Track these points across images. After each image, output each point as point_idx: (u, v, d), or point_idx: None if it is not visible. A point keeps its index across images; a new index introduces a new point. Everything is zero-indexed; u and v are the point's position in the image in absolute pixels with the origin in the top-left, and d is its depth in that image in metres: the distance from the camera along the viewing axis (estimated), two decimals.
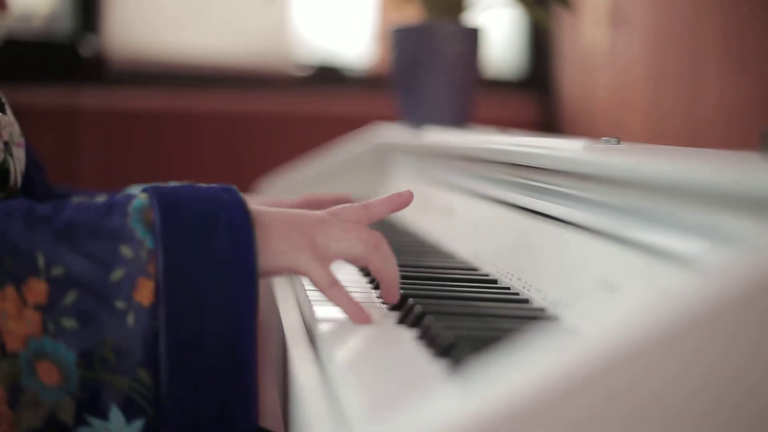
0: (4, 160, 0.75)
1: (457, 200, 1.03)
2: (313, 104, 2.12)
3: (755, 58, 1.99)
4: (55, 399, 0.57)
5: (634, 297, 0.56)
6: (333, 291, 0.64)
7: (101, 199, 0.64)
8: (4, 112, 0.81)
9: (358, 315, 0.64)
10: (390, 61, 1.32)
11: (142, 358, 0.57)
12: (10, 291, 0.56)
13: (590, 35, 2.37)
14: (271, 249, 0.62)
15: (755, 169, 0.45)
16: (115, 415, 0.58)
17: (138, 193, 0.63)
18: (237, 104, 2.07)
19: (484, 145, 0.90)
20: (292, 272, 0.64)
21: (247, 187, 1.78)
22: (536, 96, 2.47)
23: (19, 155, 0.81)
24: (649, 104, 2.25)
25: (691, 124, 2.12)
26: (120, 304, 0.57)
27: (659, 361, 0.37)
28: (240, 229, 0.60)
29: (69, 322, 0.57)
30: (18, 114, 0.83)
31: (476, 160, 0.98)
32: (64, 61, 1.96)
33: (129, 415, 0.58)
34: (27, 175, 0.85)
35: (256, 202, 0.98)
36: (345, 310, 0.64)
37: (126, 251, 0.58)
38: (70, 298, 0.57)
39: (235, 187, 0.65)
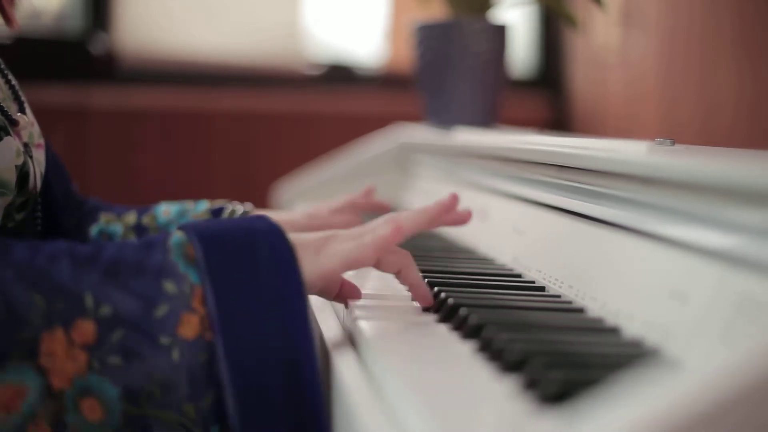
0: (24, 163, 0.72)
1: (492, 202, 0.99)
2: (325, 103, 2.09)
3: (765, 55, 1.95)
4: None
5: (709, 308, 0.52)
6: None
7: (130, 225, 0.60)
8: (24, 112, 0.77)
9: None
10: (413, 58, 1.28)
11: (188, 392, 0.57)
12: (58, 333, 0.55)
13: (602, 34, 2.33)
14: (306, 263, 0.62)
15: None
16: None
17: (174, 231, 0.62)
18: (248, 103, 2.03)
19: (528, 146, 0.86)
20: (326, 275, 0.64)
21: (258, 186, 1.75)
22: (548, 95, 2.44)
23: (39, 157, 0.77)
24: (661, 103, 2.22)
25: (703, 123, 2.09)
26: (164, 340, 0.57)
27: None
28: (281, 252, 0.60)
29: (114, 360, 0.56)
30: None
31: (511, 160, 0.94)
32: (75, 59, 1.92)
33: None
34: (46, 177, 0.81)
35: (294, 218, 0.95)
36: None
37: (169, 287, 0.58)
38: (116, 336, 0.56)
39: (265, 216, 0.65)
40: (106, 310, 0.56)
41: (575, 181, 0.77)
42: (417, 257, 0.73)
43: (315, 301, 0.81)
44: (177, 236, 0.61)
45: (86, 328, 0.56)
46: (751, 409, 0.34)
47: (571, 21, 1.33)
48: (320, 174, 1.41)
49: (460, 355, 0.57)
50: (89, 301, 0.56)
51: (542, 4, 1.24)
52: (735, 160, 0.55)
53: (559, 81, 2.44)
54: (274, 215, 0.93)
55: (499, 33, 1.22)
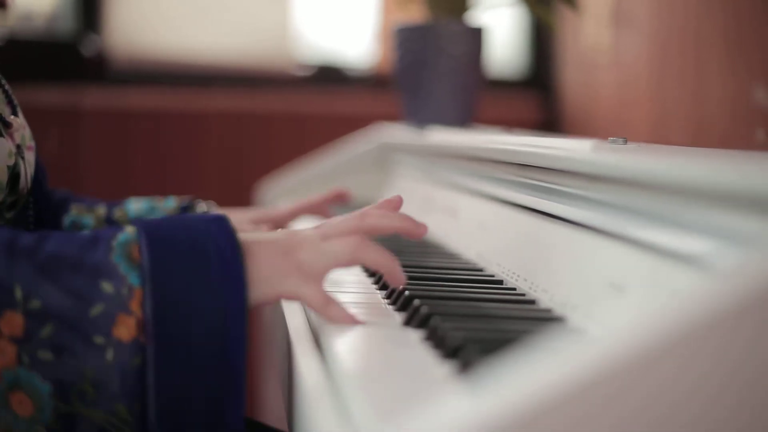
0: (16, 164, 0.75)
1: (462, 200, 1.02)
2: (315, 104, 2.12)
3: (758, 57, 1.98)
4: (28, 430, 0.57)
5: (643, 299, 0.56)
6: (327, 309, 0.63)
7: (101, 217, 0.62)
8: (16, 114, 0.81)
9: (353, 322, 0.64)
10: (393, 60, 1.32)
11: (121, 393, 0.57)
12: None
13: (593, 34, 2.36)
14: (260, 279, 0.62)
15: (761, 168, 0.45)
16: None
17: (126, 227, 0.62)
18: (239, 103, 2.06)
19: (490, 145, 0.90)
20: (284, 298, 0.64)
21: (249, 186, 1.78)
22: (538, 95, 2.47)
23: (30, 159, 0.81)
24: (651, 104, 2.25)
25: (694, 124, 2.12)
26: (99, 340, 0.57)
27: (671, 365, 0.37)
28: (231, 267, 0.60)
29: (45, 355, 0.56)
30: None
31: (481, 160, 0.98)
32: (66, 60, 1.96)
33: None
34: (36, 178, 0.85)
35: (247, 217, 0.98)
36: (343, 322, 0.64)
37: (106, 287, 0.58)
38: (46, 331, 0.56)
39: (226, 219, 0.64)
40: (35, 304, 0.57)
41: (534, 179, 0.81)
42: (392, 250, 0.77)
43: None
44: (125, 235, 0.61)
45: (15, 321, 0.56)
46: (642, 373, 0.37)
47: (549, 23, 1.37)
48: (303, 173, 1.45)
49: (408, 342, 0.61)
50: (18, 293, 0.57)
51: (522, 7, 1.27)
52: (678, 159, 0.58)
53: (549, 82, 2.47)
54: (235, 214, 0.96)
55: (475, 35, 1.26)
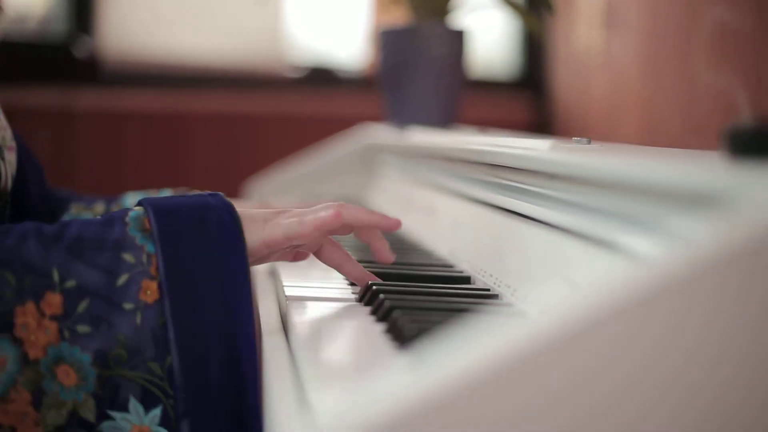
0: None
1: (438, 200, 1.05)
2: (306, 105, 2.15)
3: (750, 59, 2.01)
4: (75, 398, 0.63)
5: (573, 285, 0.59)
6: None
7: (99, 214, 0.69)
8: None
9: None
10: (377, 62, 1.35)
11: (153, 352, 0.64)
12: (30, 306, 0.62)
13: (584, 37, 2.39)
14: (249, 230, 0.69)
15: (696, 167, 0.48)
16: (134, 407, 0.64)
17: (133, 207, 0.69)
18: (231, 105, 2.09)
19: (458, 145, 0.93)
20: (270, 243, 0.70)
21: (239, 188, 1.81)
22: (531, 97, 2.49)
23: (11, 159, 0.84)
24: (643, 106, 2.27)
25: (685, 125, 2.15)
26: (128, 306, 0.64)
27: (591, 343, 0.39)
28: (229, 224, 0.68)
29: (83, 328, 0.63)
30: (14, 115, 0.86)
31: (455, 159, 1.01)
32: (59, 62, 1.99)
33: (147, 406, 0.64)
34: (20, 177, 0.88)
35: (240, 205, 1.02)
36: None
37: (128, 257, 0.65)
38: (82, 306, 0.63)
39: (221, 194, 0.72)
40: (71, 283, 0.63)
41: (503, 179, 0.84)
42: (367, 249, 0.81)
43: (261, 285, 0.88)
44: (135, 211, 0.68)
45: (54, 301, 0.63)
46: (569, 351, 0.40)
47: (531, 25, 1.40)
48: (290, 173, 1.48)
49: (370, 334, 0.64)
50: (56, 275, 0.63)
51: (503, 9, 1.30)
52: (626, 158, 0.61)
53: (542, 83, 2.50)
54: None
55: (457, 37, 1.29)
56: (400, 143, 1.24)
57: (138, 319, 0.64)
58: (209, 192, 0.73)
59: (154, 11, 2.04)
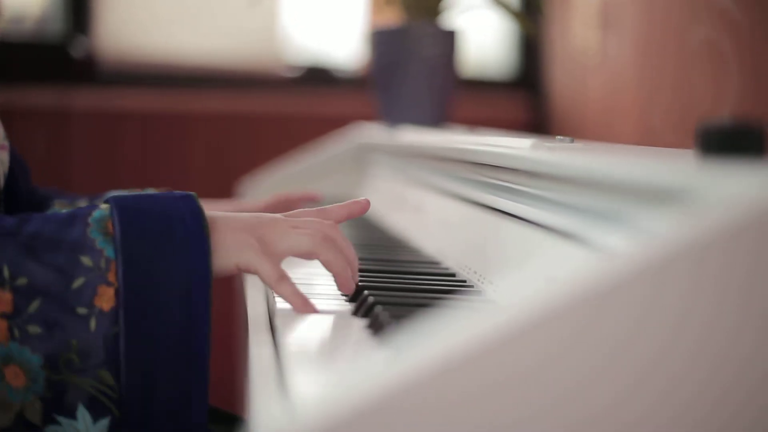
0: None
1: (427, 198, 1.07)
2: (303, 105, 2.17)
3: (745, 60, 2.02)
4: (23, 400, 0.62)
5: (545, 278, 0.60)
6: (279, 285, 0.68)
7: (66, 210, 0.68)
8: None
9: (303, 307, 0.68)
10: (370, 62, 1.36)
11: (104, 360, 0.62)
12: None
13: (580, 36, 2.40)
14: (221, 250, 0.66)
15: (662, 165, 0.49)
16: (82, 414, 0.62)
17: (100, 205, 0.67)
18: (228, 105, 2.11)
19: (442, 143, 0.94)
20: (242, 270, 0.68)
21: (234, 187, 1.83)
22: (528, 97, 2.50)
23: (3, 158, 0.85)
24: (639, 105, 2.29)
25: (681, 124, 2.16)
26: (82, 310, 0.62)
27: (554, 331, 0.41)
28: (194, 236, 0.65)
29: (33, 329, 0.61)
30: (11, 115, 0.87)
31: (442, 158, 1.02)
32: (56, 62, 2.00)
33: (95, 414, 0.63)
34: (11, 176, 0.89)
35: (223, 208, 1.03)
36: (291, 302, 0.68)
37: (86, 261, 0.63)
38: (34, 306, 0.61)
39: (193, 195, 0.69)
40: (22, 280, 0.61)
41: (488, 177, 0.85)
42: (357, 246, 0.82)
43: (250, 279, 0.89)
44: (99, 211, 0.65)
45: (4, 298, 0.61)
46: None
47: (525, 26, 1.41)
48: (283, 172, 1.49)
49: (352, 328, 0.65)
50: (6, 272, 0.61)
51: (495, 9, 1.31)
52: (600, 156, 0.62)
53: (538, 82, 2.51)
54: (205, 203, 1.00)
55: (448, 37, 1.30)
56: (391, 142, 1.25)
57: (92, 325, 0.62)
58: (181, 194, 0.69)
59: (151, 11, 2.06)
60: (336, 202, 1.28)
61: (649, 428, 0.42)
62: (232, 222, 0.68)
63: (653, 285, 0.42)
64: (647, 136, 2.21)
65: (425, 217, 1.05)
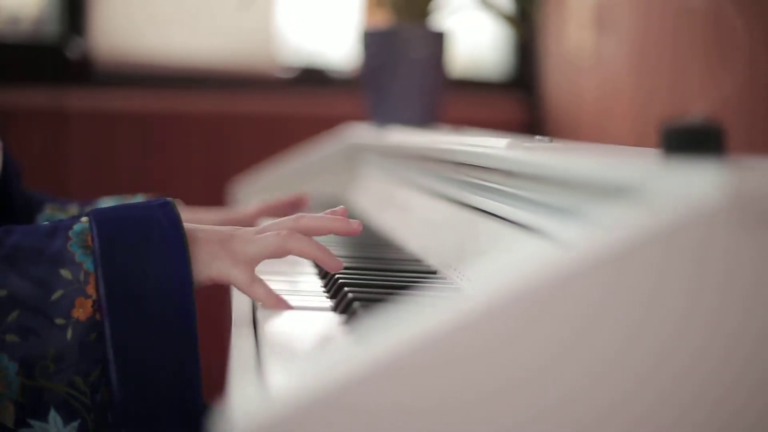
0: None
1: (413, 197, 1.09)
2: (298, 106, 2.19)
3: (739, 60, 2.04)
4: None
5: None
6: (251, 288, 0.70)
7: (48, 222, 0.70)
8: None
9: (277, 305, 0.71)
10: (360, 63, 1.39)
11: (79, 366, 0.65)
12: None
13: (575, 38, 2.42)
14: (197, 261, 0.69)
15: (618, 162, 0.51)
16: (54, 417, 0.65)
17: (81, 218, 0.70)
18: (223, 106, 2.13)
19: (424, 144, 0.96)
20: (215, 281, 0.70)
21: (229, 187, 1.85)
22: (523, 98, 2.52)
23: None
24: (634, 106, 2.30)
25: None
26: (60, 321, 0.65)
27: (509, 318, 0.43)
28: (173, 245, 0.67)
29: (11, 337, 0.64)
30: (7, 116, 0.89)
31: (427, 158, 1.04)
32: (52, 63, 2.03)
33: (66, 418, 0.66)
34: (5, 177, 0.91)
35: (210, 219, 1.04)
36: (265, 303, 0.71)
37: (65, 273, 0.66)
38: (13, 316, 0.64)
39: (171, 203, 0.71)
40: (2, 292, 0.64)
41: (469, 177, 0.87)
42: (345, 245, 0.87)
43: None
44: (80, 225, 0.68)
45: None
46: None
47: (514, 26, 1.43)
48: (275, 172, 1.52)
49: (330, 323, 0.68)
50: None
51: (487, 12, 1.33)
52: (569, 156, 0.64)
53: (533, 83, 2.53)
54: (189, 212, 1.02)
55: (437, 39, 1.32)
56: (379, 143, 1.28)
57: (69, 334, 0.65)
58: (160, 202, 0.71)
59: (146, 12, 2.08)
60: (328, 202, 1.31)
61: (608, 405, 0.44)
62: (208, 235, 0.71)
63: (607, 274, 0.44)
64: (642, 137, 2.23)
65: (411, 216, 1.07)
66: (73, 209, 1.03)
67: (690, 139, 0.55)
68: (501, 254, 0.70)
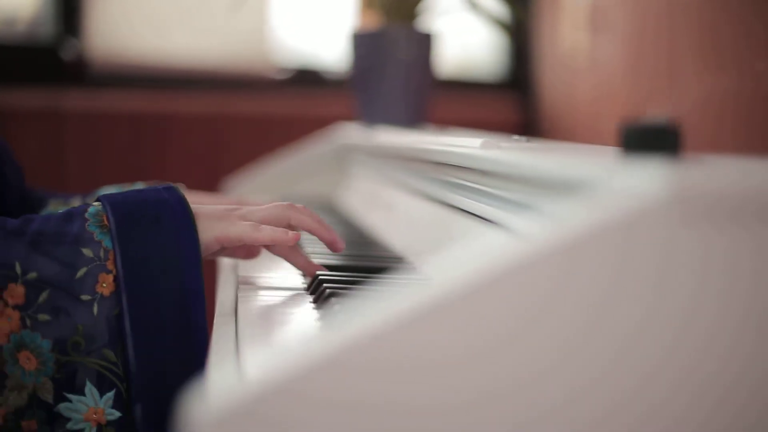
0: None
1: (399, 197, 1.12)
2: (293, 106, 2.21)
3: (732, 60, 2.07)
4: (35, 381, 0.69)
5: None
6: (260, 232, 0.77)
7: (62, 209, 0.75)
8: None
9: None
10: (349, 64, 1.41)
11: (108, 340, 0.70)
12: None
13: (570, 39, 2.45)
14: (202, 231, 0.76)
15: (573, 160, 0.54)
16: (90, 390, 0.70)
17: (93, 202, 0.76)
18: (218, 106, 2.16)
19: (403, 143, 0.99)
20: (221, 241, 0.77)
21: (222, 187, 1.88)
22: (517, 99, 2.55)
23: None
24: (628, 108, 2.33)
25: None
26: (85, 297, 0.70)
27: (463, 304, 0.45)
28: (182, 220, 0.74)
29: (43, 317, 0.69)
30: (2, 117, 0.92)
31: (410, 158, 1.07)
32: (47, 64, 2.06)
33: (102, 389, 0.70)
34: (6, 175, 0.95)
35: (203, 199, 1.08)
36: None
37: (87, 252, 0.71)
38: (43, 296, 0.69)
39: (175, 186, 0.79)
40: (32, 275, 0.70)
41: (449, 176, 0.90)
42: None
43: (224, 275, 0.94)
44: (94, 207, 0.74)
45: (17, 292, 0.69)
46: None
47: (503, 29, 1.46)
48: (266, 172, 1.54)
49: (306, 315, 0.70)
50: (18, 268, 0.69)
51: (475, 14, 1.36)
52: (531, 154, 0.67)
53: (528, 84, 2.56)
54: (191, 195, 1.06)
55: (424, 40, 1.35)
56: (367, 143, 1.30)
57: (95, 309, 0.70)
58: (164, 186, 0.79)
59: (141, 14, 2.11)
60: (318, 202, 1.34)
61: (566, 392, 0.47)
62: (208, 207, 0.78)
63: (557, 264, 0.46)
64: None
65: (395, 216, 1.10)
66: (76, 202, 1.07)
67: (647, 138, 0.57)
68: (462, 246, 0.73)
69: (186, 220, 0.74)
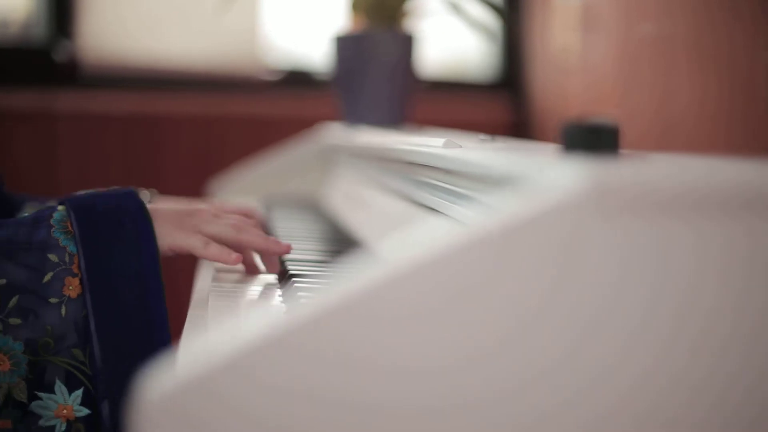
0: None
1: (374, 196, 1.16)
2: (283, 107, 2.26)
3: (724, 61, 2.10)
4: (9, 381, 0.74)
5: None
6: (207, 249, 0.83)
7: (29, 213, 0.80)
8: None
9: (230, 260, 0.83)
10: (332, 66, 1.46)
11: (76, 340, 0.75)
12: None
13: (561, 39, 2.49)
14: (160, 236, 0.81)
15: (514, 157, 0.58)
16: (59, 388, 0.75)
17: (57, 206, 0.81)
18: (210, 108, 2.20)
19: (375, 144, 1.03)
20: (176, 251, 0.82)
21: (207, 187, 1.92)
22: (509, 99, 2.59)
23: None
24: (620, 108, 2.37)
25: (660, 126, 2.24)
26: (53, 300, 0.75)
27: (406, 284, 0.50)
28: (141, 226, 0.80)
29: (14, 320, 0.74)
30: None
31: (386, 158, 1.11)
32: (40, 65, 2.10)
33: (70, 387, 0.75)
34: None
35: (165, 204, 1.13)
36: (219, 259, 0.83)
37: (53, 257, 0.76)
38: (13, 301, 0.74)
39: (134, 191, 0.84)
40: (2, 281, 0.75)
41: (416, 174, 0.95)
42: (304, 238, 0.96)
43: (204, 269, 0.99)
44: (58, 213, 0.79)
45: None
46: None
47: (485, 32, 1.50)
48: (251, 172, 1.59)
49: (271, 301, 0.75)
50: None
51: (457, 17, 1.40)
52: (478, 152, 0.71)
53: (520, 85, 2.60)
54: (161, 201, 1.11)
55: (405, 42, 1.39)
56: (349, 143, 1.35)
57: (63, 311, 0.75)
58: (126, 190, 0.84)
59: (133, 15, 2.16)
60: (302, 202, 1.38)
61: (505, 371, 0.50)
62: (166, 212, 0.83)
63: (489, 248, 0.50)
64: (628, 139, 2.28)
65: (371, 214, 1.14)
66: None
67: (585, 137, 0.62)
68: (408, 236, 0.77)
69: (145, 225, 0.79)
